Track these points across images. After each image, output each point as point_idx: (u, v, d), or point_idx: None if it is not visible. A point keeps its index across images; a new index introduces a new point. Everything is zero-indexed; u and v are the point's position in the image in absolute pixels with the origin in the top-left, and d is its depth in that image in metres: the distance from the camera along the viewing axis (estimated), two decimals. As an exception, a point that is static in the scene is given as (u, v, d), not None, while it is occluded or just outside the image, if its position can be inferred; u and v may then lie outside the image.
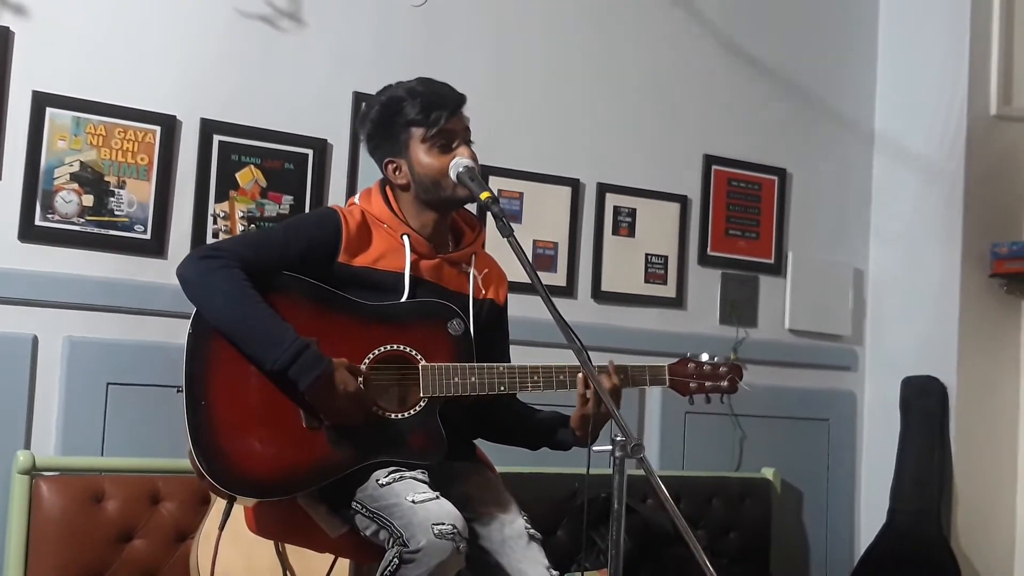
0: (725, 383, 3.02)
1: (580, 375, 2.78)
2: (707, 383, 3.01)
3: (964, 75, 5.07)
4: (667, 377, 2.98)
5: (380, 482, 2.67)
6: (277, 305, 2.67)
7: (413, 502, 2.59)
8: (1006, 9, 5.11)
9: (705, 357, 3.03)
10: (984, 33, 5.09)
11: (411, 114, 2.83)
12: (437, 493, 2.63)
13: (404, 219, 2.87)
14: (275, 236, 2.84)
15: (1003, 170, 5.15)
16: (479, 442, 3.04)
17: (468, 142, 2.87)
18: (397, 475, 2.68)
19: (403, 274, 2.80)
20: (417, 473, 2.71)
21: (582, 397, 2.81)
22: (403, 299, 2.79)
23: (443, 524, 2.54)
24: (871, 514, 5.22)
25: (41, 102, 3.75)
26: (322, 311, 2.74)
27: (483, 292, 2.95)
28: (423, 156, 2.83)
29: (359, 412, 2.69)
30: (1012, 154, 5.16)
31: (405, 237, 2.83)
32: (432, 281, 2.85)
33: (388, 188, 2.92)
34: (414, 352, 2.78)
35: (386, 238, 2.84)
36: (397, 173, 2.87)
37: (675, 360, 3.01)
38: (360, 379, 2.70)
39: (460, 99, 2.88)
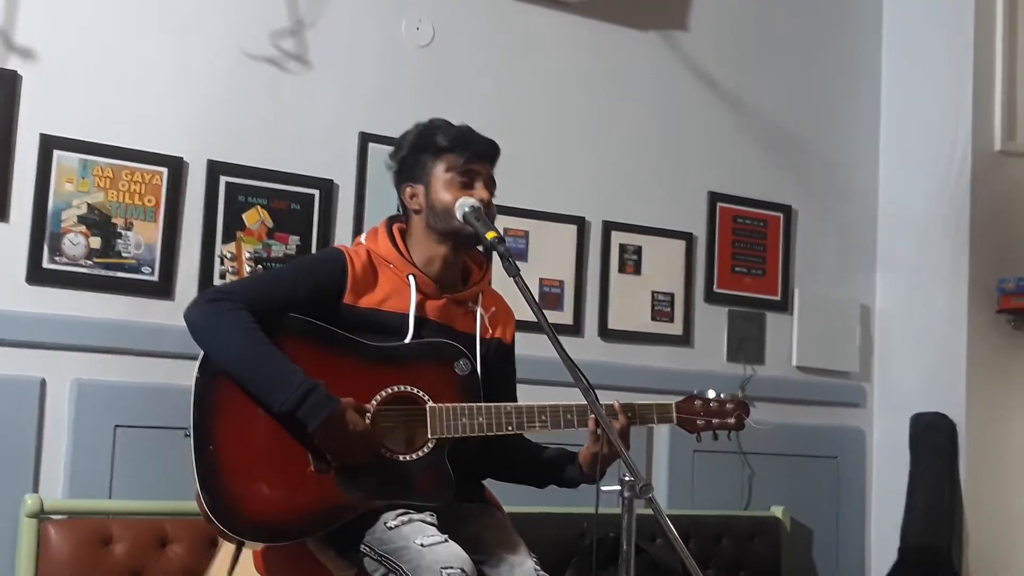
0: (732, 420, 3.02)
1: (593, 415, 2.78)
2: (714, 420, 3.01)
3: (968, 111, 5.08)
4: (675, 415, 2.98)
5: (388, 525, 2.67)
6: (284, 347, 2.68)
7: (422, 545, 2.58)
8: (1009, 45, 5.13)
9: (712, 394, 3.03)
10: (988, 69, 5.11)
11: (443, 142, 2.87)
12: (446, 536, 2.63)
13: (410, 259, 2.87)
14: (282, 278, 2.84)
15: (1008, 205, 5.15)
16: (487, 482, 3.03)
17: (489, 188, 2.89)
18: (406, 517, 2.67)
19: (408, 315, 2.81)
20: (426, 515, 2.70)
21: (594, 434, 2.81)
22: (408, 340, 2.80)
23: (452, 568, 2.54)
24: (882, 552, 5.19)
25: (49, 145, 3.76)
26: (329, 353, 2.74)
27: (490, 332, 2.96)
28: (443, 186, 2.86)
29: (368, 452, 2.68)
30: (1017, 189, 5.16)
31: (411, 277, 2.84)
32: (438, 321, 2.86)
33: (395, 228, 2.93)
34: (421, 393, 2.77)
35: (392, 278, 2.84)
36: (412, 199, 2.90)
37: (682, 398, 3.01)
38: (368, 418, 2.70)
39: (493, 147, 2.94)
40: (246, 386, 2.65)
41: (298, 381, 2.62)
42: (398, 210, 3.01)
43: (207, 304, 2.70)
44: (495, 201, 2.94)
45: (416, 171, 2.91)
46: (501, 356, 2.99)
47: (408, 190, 2.92)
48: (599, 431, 2.78)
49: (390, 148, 3.05)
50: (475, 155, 2.89)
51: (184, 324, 2.71)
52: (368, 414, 2.71)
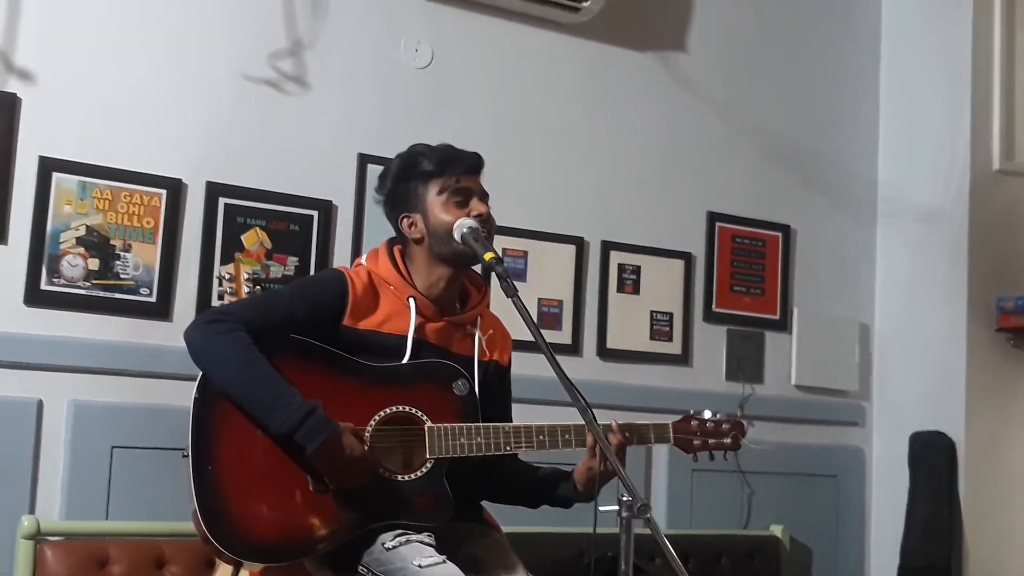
0: (728, 440, 3.03)
1: (591, 432, 2.79)
2: (711, 440, 3.02)
3: (966, 130, 5.09)
4: (671, 435, 2.98)
5: (387, 546, 2.67)
6: (283, 368, 2.68)
7: (420, 567, 2.58)
8: (1007, 65, 5.15)
9: (708, 414, 3.03)
10: (986, 88, 5.12)
11: (428, 167, 2.88)
12: (444, 557, 2.63)
13: (411, 281, 2.88)
14: (281, 299, 2.85)
15: (1007, 224, 5.16)
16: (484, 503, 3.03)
17: (483, 200, 2.90)
18: (403, 538, 2.67)
19: (406, 337, 2.81)
20: (424, 536, 2.70)
21: (590, 450, 2.81)
22: (406, 361, 2.80)
23: None
24: (881, 570, 5.18)
25: (47, 167, 3.77)
26: (327, 373, 2.75)
27: (488, 354, 2.96)
28: (439, 209, 2.86)
29: (364, 476, 2.69)
30: (1015, 208, 5.17)
31: (411, 299, 2.84)
32: (437, 344, 2.86)
33: (396, 250, 2.94)
34: (419, 413, 2.78)
35: (392, 300, 2.85)
36: (412, 228, 2.90)
37: (679, 418, 3.01)
38: (366, 442, 2.70)
39: (478, 160, 2.94)
40: (244, 407, 2.65)
41: (296, 403, 2.62)
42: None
43: (206, 325, 2.71)
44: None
45: (409, 201, 2.90)
46: (498, 378, 2.99)
47: (406, 221, 2.91)
48: (596, 448, 2.78)
49: (387, 173, 3.06)
50: (463, 172, 2.89)
51: (182, 345, 2.71)
52: (366, 438, 2.71)
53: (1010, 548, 5.05)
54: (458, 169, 2.88)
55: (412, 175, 2.90)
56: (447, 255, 2.87)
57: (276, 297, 2.98)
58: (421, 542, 2.68)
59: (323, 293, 2.82)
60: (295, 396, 2.63)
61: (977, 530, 4.98)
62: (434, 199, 2.87)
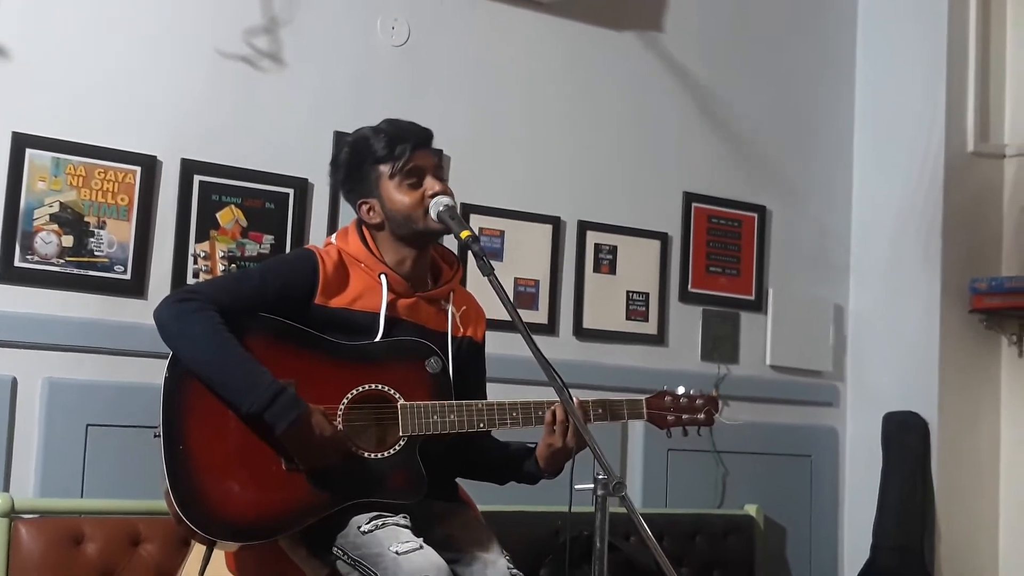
0: (702, 416, 3.03)
1: (552, 408, 2.79)
2: (684, 416, 3.02)
3: (941, 112, 5.11)
4: (645, 410, 2.99)
5: (362, 529, 2.67)
6: (253, 347, 2.67)
7: (397, 553, 2.58)
8: (982, 47, 5.17)
9: (682, 390, 3.04)
10: (961, 70, 5.14)
11: (378, 151, 2.85)
12: (421, 540, 2.63)
13: (381, 257, 2.87)
14: (251, 278, 2.84)
15: (981, 206, 5.18)
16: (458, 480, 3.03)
17: (439, 177, 2.87)
18: (379, 521, 2.67)
19: (379, 314, 2.80)
20: (399, 519, 2.70)
21: (549, 426, 2.81)
22: (378, 339, 2.79)
23: None
24: (854, 550, 5.22)
25: (21, 143, 3.74)
26: (299, 352, 2.74)
27: (461, 330, 2.96)
28: (393, 192, 2.85)
29: (335, 456, 2.68)
30: (989, 190, 5.20)
31: (382, 276, 2.83)
32: (410, 320, 2.86)
33: (364, 227, 2.92)
34: (392, 391, 2.78)
35: (363, 278, 2.84)
36: (371, 213, 2.88)
37: (653, 394, 3.02)
38: (338, 422, 2.69)
39: (426, 133, 2.91)
40: (214, 387, 2.64)
41: (266, 383, 2.61)
42: None
43: (175, 304, 2.70)
44: (457, 189, 2.93)
45: (363, 186, 2.89)
46: (472, 355, 2.99)
47: (364, 206, 2.89)
48: (555, 425, 2.79)
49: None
50: (413, 148, 2.85)
51: (156, 323, 2.71)
52: (337, 418, 2.70)
53: (982, 527, 5.09)
54: (407, 147, 2.84)
55: (362, 160, 2.88)
56: (408, 236, 2.87)
57: (246, 276, 2.98)
58: (397, 525, 2.68)
59: (294, 271, 2.81)
60: (264, 376, 2.62)
61: (950, 510, 5.01)
62: (387, 183, 2.85)
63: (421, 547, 2.62)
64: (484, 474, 3.05)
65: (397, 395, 2.77)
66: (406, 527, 2.69)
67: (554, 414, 2.80)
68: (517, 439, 3.04)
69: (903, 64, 5.30)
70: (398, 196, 2.84)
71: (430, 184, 2.85)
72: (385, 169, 2.85)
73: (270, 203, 4.13)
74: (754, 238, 5.19)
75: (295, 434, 2.61)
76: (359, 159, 2.89)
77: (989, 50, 5.20)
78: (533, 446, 2.92)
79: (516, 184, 4.62)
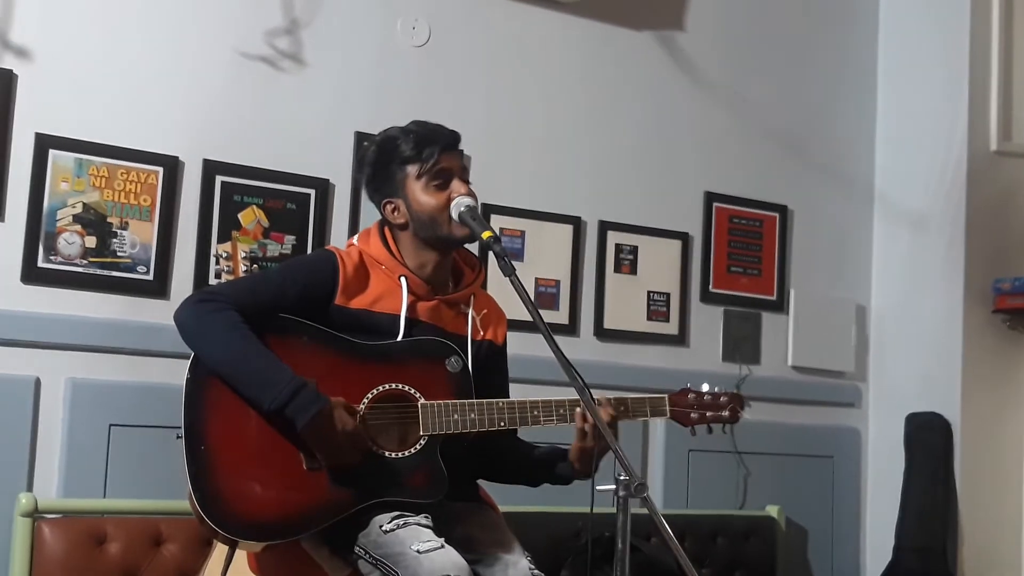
0: (726, 413, 3.01)
1: (578, 410, 2.79)
2: (708, 413, 3.00)
3: (964, 111, 5.08)
4: (668, 408, 2.97)
5: (384, 528, 2.66)
6: (274, 347, 2.67)
7: (419, 552, 2.57)
8: (1005, 45, 5.13)
9: (706, 387, 3.02)
10: (983, 69, 5.11)
11: (405, 152, 2.85)
12: (442, 540, 2.62)
13: (402, 260, 2.87)
14: (272, 279, 2.85)
15: (1004, 206, 5.15)
16: (481, 481, 3.03)
17: (465, 180, 2.88)
18: (401, 521, 2.67)
19: (399, 316, 2.80)
20: (421, 518, 2.69)
21: (580, 431, 2.81)
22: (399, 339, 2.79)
23: (449, 575, 2.54)
24: (877, 552, 5.20)
25: (44, 144, 3.76)
26: (319, 352, 2.74)
27: (481, 333, 2.95)
28: (420, 194, 2.85)
29: (356, 452, 2.68)
30: (1013, 190, 5.16)
31: (402, 279, 2.84)
32: (429, 323, 2.85)
33: (386, 229, 2.93)
34: (413, 390, 2.77)
35: (384, 280, 2.84)
36: (396, 213, 2.88)
37: (676, 392, 3.00)
38: (359, 418, 2.69)
39: (454, 136, 2.91)
40: (235, 385, 2.65)
41: (287, 379, 2.61)
42: None
43: (196, 305, 2.70)
44: (478, 189, 2.92)
45: (389, 186, 2.88)
46: (493, 358, 2.98)
47: (389, 206, 2.89)
48: (585, 427, 2.78)
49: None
50: (441, 151, 2.85)
51: (178, 324, 2.71)
52: (359, 413, 2.71)
53: (1005, 528, 5.06)
54: (435, 150, 2.84)
55: (390, 160, 2.88)
56: (432, 239, 2.87)
57: (266, 277, 2.99)
58: (419, 524, 2.68)
59: (314, 272, 2.81)
60: (286, 372, 2.62)
61: (972, 511, 4.99)
62: (414, 183, 2.85)
63: (443, 546, 2.62)
64: (515, 476, 3.04)
65: (418, 394, 2.77)
66: (428, 527, 2.69)
67: (584, 416, 2.79)
68: (544, 440, 3.03)
69: (925, 63, 5.27)
70: (424, 197, 2.84)
71: (456, 187, 2.85)
72: (412, 170, 2.85)
73: (291, 203, 4.13)
74: (775, 238, 5.17)
75: (317, 428, 2.61)
76: (386, 159, 2.88)
77: (1012, 48, 5.16)
78: (566, 448, 2.91)
79: (537, 184, 4.61)
